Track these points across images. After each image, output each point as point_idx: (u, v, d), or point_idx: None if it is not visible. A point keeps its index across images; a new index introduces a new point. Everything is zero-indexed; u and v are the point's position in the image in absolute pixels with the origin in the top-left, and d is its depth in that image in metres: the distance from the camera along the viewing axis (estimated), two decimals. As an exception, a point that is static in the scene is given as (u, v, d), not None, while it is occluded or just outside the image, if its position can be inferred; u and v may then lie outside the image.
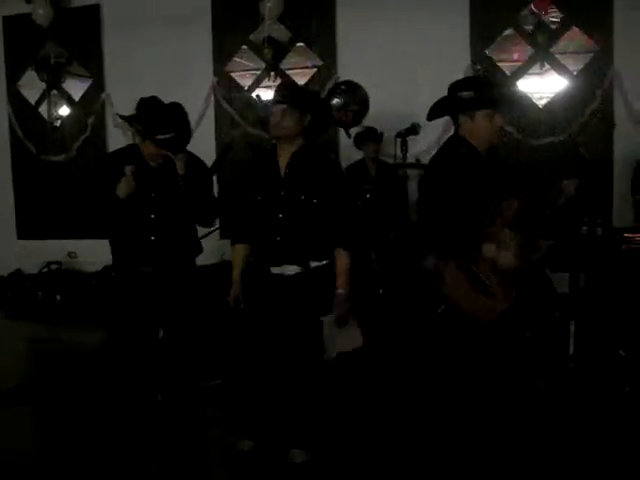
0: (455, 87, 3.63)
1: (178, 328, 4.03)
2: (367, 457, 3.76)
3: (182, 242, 4.03)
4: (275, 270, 3.61)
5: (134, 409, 4.03)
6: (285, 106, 3.56)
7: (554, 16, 6.79)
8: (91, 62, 8.07)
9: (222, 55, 7.51)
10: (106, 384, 4.26)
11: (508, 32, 6.87)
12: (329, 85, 6.94)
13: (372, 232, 5.48)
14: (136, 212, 3.88)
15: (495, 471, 3.53)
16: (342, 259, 3.58)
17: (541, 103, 6.80)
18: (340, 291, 3.54)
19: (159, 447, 3.90)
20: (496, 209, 3.38)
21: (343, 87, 5.89)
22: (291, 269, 3.58)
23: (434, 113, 3.76)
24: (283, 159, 3.64)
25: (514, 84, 6.79)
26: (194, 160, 4.01)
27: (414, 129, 5.54)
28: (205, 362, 4.81)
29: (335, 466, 3.68)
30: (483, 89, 3.60)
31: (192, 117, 6.71)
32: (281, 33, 7.32)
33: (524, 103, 6.71)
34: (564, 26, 6.75)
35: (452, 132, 3.75)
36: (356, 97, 5.77)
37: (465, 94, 3.51)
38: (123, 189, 3.79)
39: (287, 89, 3.79)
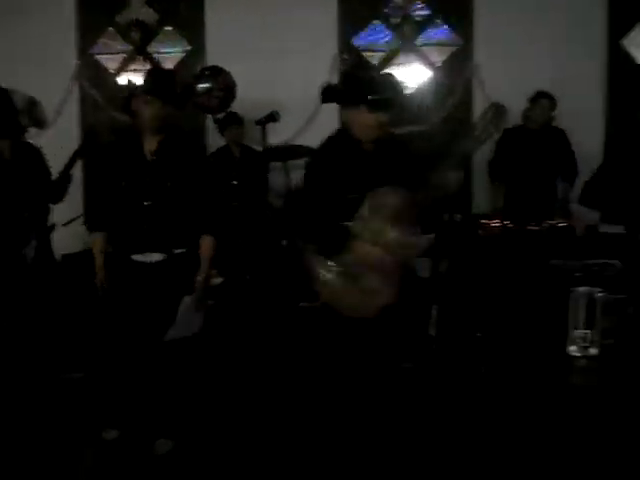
0: (342, 79, 3.66)
1: (18, 319, 3.95)
2: (231, 444, 3.80)
3: (13, 230, 3.95)
4: (137, 258, 3.58)
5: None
6: (152, 95, 3.52)
7: (420, 9, 7.01)
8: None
9: (87, 37, 7.26)
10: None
11: (375, 23, 7.02)
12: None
13: (239, 217, 5.50)
14: None
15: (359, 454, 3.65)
16: (207, 245, 3.61)
17: (406, 93, 6.96)
18: (201, 276, 3.57)
19: (20, 438, 3.79)
20: (371, 203, 3.43)
21: (208, 72, 5.85)
22: (154, 256, 3.57)
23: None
24: (149, 145, 3.60)
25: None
26: (24, 146, 3.96)
27: (273, 117, 5.57)
28: (68, 354, 4.71)
29: (200, 454, 3.70)
30: (353, 86, 3.62)
31: (54, 101, 6.70)
32: (149, 15, 7.17)
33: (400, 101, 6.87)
34: (428, 19, 6.97)
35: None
36: (221, 82, 5.74)
37: (338, 89, 3.56)
38: None
39: (154, 77, 3.74)
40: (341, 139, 3.56)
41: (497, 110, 3.32)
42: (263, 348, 5.04)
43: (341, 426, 3.64)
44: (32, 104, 4.90)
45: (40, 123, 5.05)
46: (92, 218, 3.79)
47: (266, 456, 3.64)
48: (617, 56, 6.90)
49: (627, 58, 6.95)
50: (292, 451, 3.68)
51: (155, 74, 3.91)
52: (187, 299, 3.59)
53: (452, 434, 3.93)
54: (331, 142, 3.59)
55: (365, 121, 3.47)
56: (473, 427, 4.02)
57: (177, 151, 3.60)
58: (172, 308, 3.59)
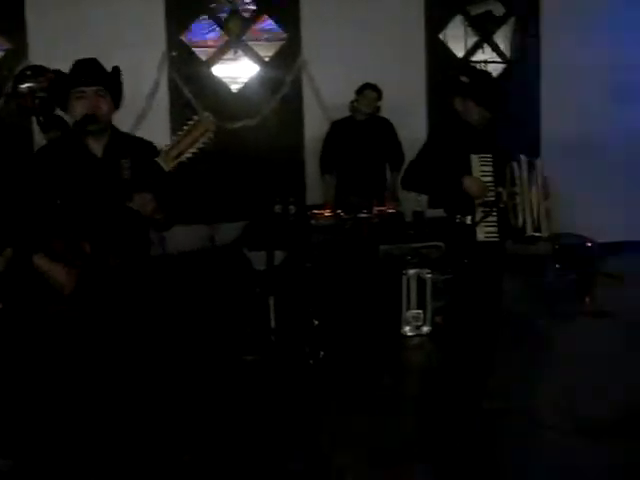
0: None
1: None
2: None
3: None
4: None
5: None
6: None
7: (247, 4, 7.07)
8: None
9: None
10: None
11: (203, 18, 7.02)
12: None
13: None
14: None
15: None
16: None
17: (235, 88, 7.06)
18: None
19: None
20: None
21: (29, 72, 5.63)
22: None
23: None
24: None
25: (209, 70, 7.00)
26: None
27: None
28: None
29: (41, 470, 3.59)
30: None
31: None
32: (-36, 14, 6.81)
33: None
34: (256, 15, 7.06)
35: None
36: (44, 83, 5.54)
37: None
38: None
39: None
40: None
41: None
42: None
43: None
44: None
45: None
46: None
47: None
48: (435, 48, 7.28)
49: (444, 50, 7.36)
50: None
51: None
52: None
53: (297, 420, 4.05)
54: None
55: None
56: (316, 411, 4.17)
57: None
58: None
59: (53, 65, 5.96)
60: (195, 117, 3.06)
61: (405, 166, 4.17)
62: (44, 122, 5.93)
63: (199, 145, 3.02)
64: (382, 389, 4.52)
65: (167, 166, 3.02)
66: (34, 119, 6.39)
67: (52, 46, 6.57)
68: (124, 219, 3.05)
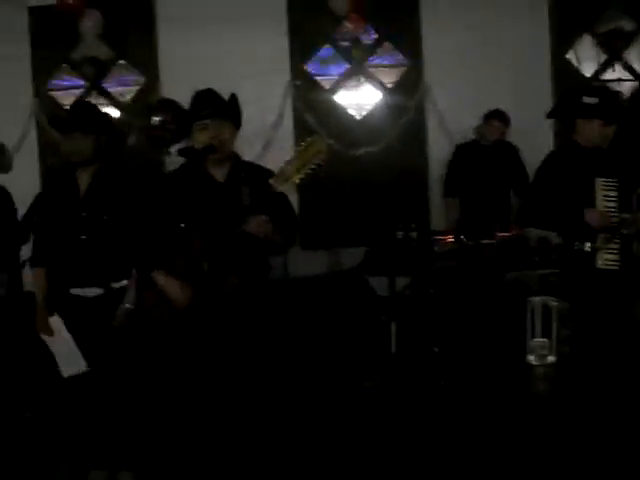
0: None
1: None
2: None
3: None
4: (76, 292, 3.59)
5: None
6: (80, 131, 3.54)
7: (368, 32, 7.13)
8: None
9: (42, 74, 7.28)
10: None
11: (326, 47, 7.14)
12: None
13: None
14: None
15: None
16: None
17: (359, 115, 7.14)
18: (127, 305, 3.51)
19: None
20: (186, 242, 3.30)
21: (160, 106, 5.92)
22: (92, 291, 3.57)
23: None
24: (83, 180, 3.62)
25: (333, 97, 7.12)
26: None
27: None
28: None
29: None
30: None
31: (12, 142, 6.70)
32: (102, 51, 7.20)
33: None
34: (377, 42, 7.11)
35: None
36: (174, 115, 5.80)
37: None
38: None
39: (80, 112, 3.76)
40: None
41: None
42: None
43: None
44: (1, 152, 4.98)
45: (5, 168, 5.10)
46: (34, 254, 3.79)
47: None
48: (563, 70, 7.09)
49: (573, 71, 7.15)
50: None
51: (84, 108, 3.93)
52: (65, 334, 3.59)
53: (419, 448, 4.00)
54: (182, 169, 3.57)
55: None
56: (439, 439, 4.10)
57: (112, 183, 3.62)
58: (109, 342, 3.56)
59: (183, 97, 6.30)
60: (308, 139, 3.13)
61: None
62: (184, 152, 6.18)
63: (311, 166, 3.08)
64: (505, 418, 4.40)
65: (279, 187, 3.10)
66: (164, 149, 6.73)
67: (182, 80, 6.86)
68: (242, 242, 3.15)
